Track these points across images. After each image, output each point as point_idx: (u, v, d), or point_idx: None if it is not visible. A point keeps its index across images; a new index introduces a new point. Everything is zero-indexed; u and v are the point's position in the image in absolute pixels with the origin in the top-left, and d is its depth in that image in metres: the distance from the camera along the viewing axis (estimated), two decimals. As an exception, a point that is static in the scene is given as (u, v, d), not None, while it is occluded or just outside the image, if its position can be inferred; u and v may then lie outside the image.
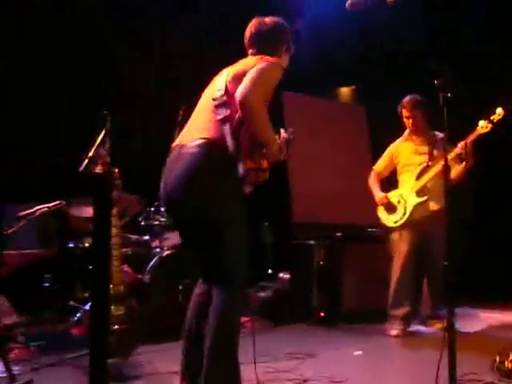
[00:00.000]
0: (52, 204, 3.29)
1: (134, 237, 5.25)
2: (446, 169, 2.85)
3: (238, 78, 2.69)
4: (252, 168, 2.65)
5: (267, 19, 3.03)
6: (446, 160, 2.85)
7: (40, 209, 3.20)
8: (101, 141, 4.21)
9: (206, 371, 2.64)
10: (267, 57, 2.84)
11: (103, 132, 4.25)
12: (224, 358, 2.66)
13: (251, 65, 2.75)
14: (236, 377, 2.72)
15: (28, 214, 3.23)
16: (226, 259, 2.71)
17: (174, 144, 2.84)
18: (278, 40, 3.01)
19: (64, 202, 3.45)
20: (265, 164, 2.73)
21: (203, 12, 6.35)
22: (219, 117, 2.68)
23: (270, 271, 6.29)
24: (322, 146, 6.54)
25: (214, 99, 2.75)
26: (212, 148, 2.67)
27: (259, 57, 2.82)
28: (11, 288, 4.21)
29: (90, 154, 4.28)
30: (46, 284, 5.08)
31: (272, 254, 6.41)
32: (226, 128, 2.64)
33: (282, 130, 3.03)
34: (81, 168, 4.37)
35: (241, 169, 2.60)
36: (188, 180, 2.68)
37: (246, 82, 2.61)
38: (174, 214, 2.94)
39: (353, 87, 8.17)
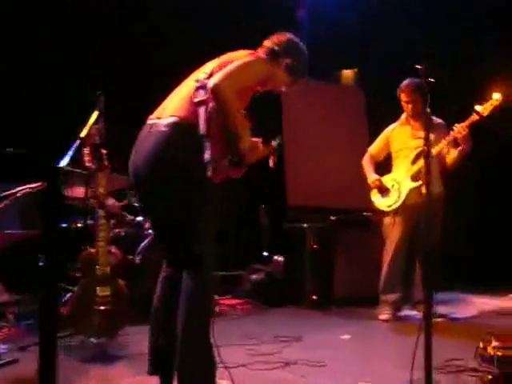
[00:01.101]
0: (34, 185, 3.28)
1: (129, 217, 5.27)
2: (427, 153, 2.83)
3: (223, 66, 2.69)
4: (222, 156, 2.64)
5: (291, 35, 3.04)
6: (427, 145, 2.82)
7: (22, 189, 3.19)
8: (94, 121, 4.21)
9: (180, 357, 2.63)
10: (258, 53, 2.87)
11: (96, 112, 4.25)
12: (198, 342, 2.65)
13: (239, 57, 2.77)
14: (210, 361, 2.72)
15: (9, 195, 3.22)
16: (193, 244, 2.68)
17: (148, 120, 2.81)
18: (281, 49, 2.96)
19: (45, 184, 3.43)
20: (242, 157, 2.73)
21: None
22: (196, 99, 2.66)
23: (265, 254, 6.31)
24: (319, 128, 6.49)
25: (196, 80, 2.73)
26: (181, 128, 2.64)
27: (250, 52, 2.85)
28: (3, 268, 4.22)
29: (82, 134, 4.28)
30: (40, 264, 5.10)
31: (268, 236, 6.43)
32: (201, 111, 2.62)
33: (272, 142, 3.11)
34: (73, 148, 4.39)
35: (207, 153, 2.58)
36: (154, 160, 2.65)
37: (222, 71, 2.62)
38: (140, 193, 2.91)
39: (355, 70, 8.11)
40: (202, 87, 2.67)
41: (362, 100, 7.10)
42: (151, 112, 2.87)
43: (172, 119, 2.67)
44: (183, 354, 2.63)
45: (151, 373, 2.86)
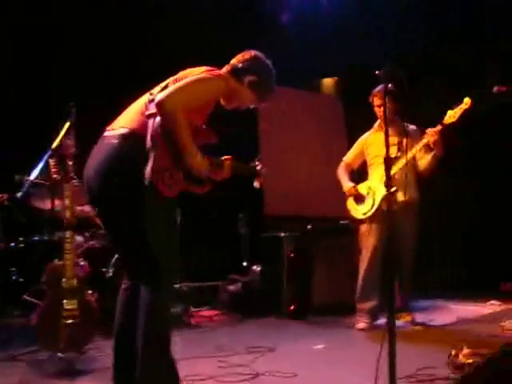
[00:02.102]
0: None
1: (101, 230, 5.21)
2: (388, 161, 2.81)
3: (177, 82, 2.68)
4: (171, 169, 2.62)
5: (258, 52, 3.01)
6: (387, 153, 2.80)
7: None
8: (65, 132, 4.17)
9: (139, 373, 2.58)
10: (215, 70, 2.83)
11: (68, 123, 4.21)
12: (157, 354, 2.60)
13: (194, 73, 2.74)
14: (171, 376, 2.66)
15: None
16: (148, 255, 2.63)
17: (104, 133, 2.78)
18: (245, 66, 2.94)
19: (5, 196, 3.38)
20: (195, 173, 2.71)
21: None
22: (147, 112, 2.64)
23: (245, 263, 6.26)
24: (296, 137, 6.48)
25: (150, 94, 2.72)
26: (131, 140, 2.61)
27: (206, 68, 2.81)
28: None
29: (54, 145, 4.25)
30: (13, 277, 5.05)
31: (247, 246, 6.38)
32: (150, 124, 2.59)
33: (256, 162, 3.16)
34: (44, 159, 4.35)
35: (149, 166, 2.53)
36: (103, 172, 2.62)
37: (171, 87, 2.61)
38: (93, 205, 2.86)
39: (335, 78, 8.10)
40: (154, 101, 2.65)
41: (340, 109, 7.10)
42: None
43: (122, 131, 2.65)
44: (142, 369, 2.58)
45: None
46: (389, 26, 6.57)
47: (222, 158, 3.01)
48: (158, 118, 2.58)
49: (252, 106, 3.10)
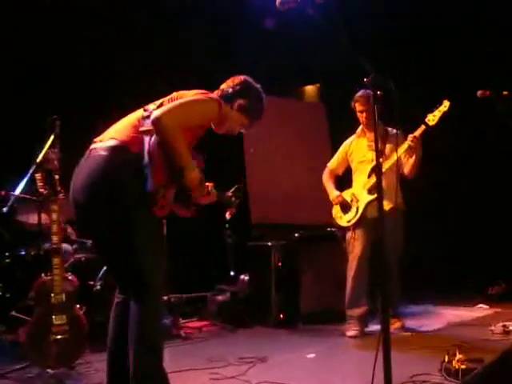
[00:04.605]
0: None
1: (88, 242, 5.16)
2: (378, 165, 2.82)
3: (172, 101, 2.73)
4: (166, 187, 2.62)
5: (247, 77, 3.06)
6: (378, 157, 2.79)
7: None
8: (50, 145, 4.14)
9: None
10: (210, 94, 2.88)
11: (52, 137, 4.18)
12: (149, 368, 2.58)
13: (189, 94, 2.79)
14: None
15: None
16: (135, 269, 2.64)
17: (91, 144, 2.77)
18: (235, 91, 2.98)
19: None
20: (188, 193, 2.73)
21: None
22: (142, 128, 2.64)
23: (232, 273, 6.23)
24: (280, 145, 6.48)
25: (145, 110, 2.72)
26: (119, 152, 2.61)
27: (202, 91, 2.85)
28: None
29: (38, 159, 4.21)
30: None
31: (234, 255, 6.35)
32: (146, 140, 2.60)
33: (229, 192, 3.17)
34: (29, 174, 4.30)
35: (149, 184, 2.54)
36: (90, 184, 2.61)
37: (167, 105, 2.65)
38: (79, 218, 2.82)
39: (317, 85, 8.13)
40: (149, 117, 2.65)
41: (324, 115, 7.12)
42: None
43: (112, 142, 2.65)
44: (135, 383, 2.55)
45: None
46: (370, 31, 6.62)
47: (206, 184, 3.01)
48: (154, 135, 2.59)
49: (242, 131, 3.14)
